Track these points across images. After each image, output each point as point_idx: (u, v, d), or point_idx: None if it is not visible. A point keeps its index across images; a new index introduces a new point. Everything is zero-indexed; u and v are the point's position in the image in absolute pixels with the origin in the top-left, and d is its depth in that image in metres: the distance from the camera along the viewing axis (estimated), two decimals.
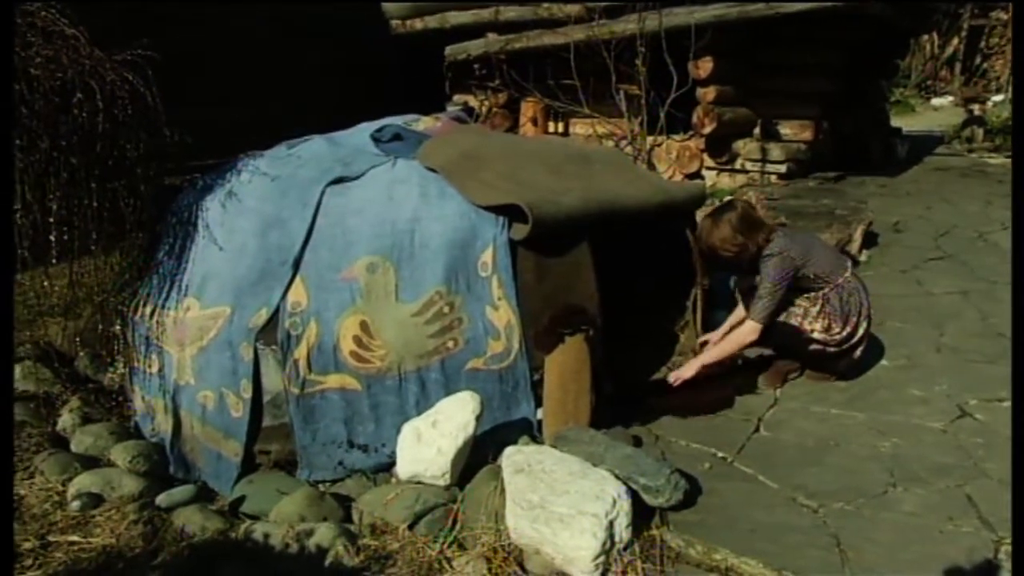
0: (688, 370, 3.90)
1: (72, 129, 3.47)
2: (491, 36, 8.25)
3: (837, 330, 3.89)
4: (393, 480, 3.26)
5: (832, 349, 3.95)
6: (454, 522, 2.91)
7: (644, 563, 2.66)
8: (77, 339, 4.23)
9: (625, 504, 2.72)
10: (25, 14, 3.37)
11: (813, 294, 3.91)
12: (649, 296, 4.42)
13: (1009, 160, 10.43)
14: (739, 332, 3.94)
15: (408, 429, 3.19)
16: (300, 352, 3.39)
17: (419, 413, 3.28)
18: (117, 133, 3.60)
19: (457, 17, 8.47)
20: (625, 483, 2.82)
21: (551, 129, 8.38)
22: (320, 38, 8.32)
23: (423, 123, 4.44)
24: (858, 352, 4.01)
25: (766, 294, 3.81)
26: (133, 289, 3.97)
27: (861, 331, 3.94)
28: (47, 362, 4.08)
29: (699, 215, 4.42)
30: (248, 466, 3.46)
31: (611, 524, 2.65)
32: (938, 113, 16.70)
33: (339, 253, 3.53)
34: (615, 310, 3.75)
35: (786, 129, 8.69)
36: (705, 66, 7.53)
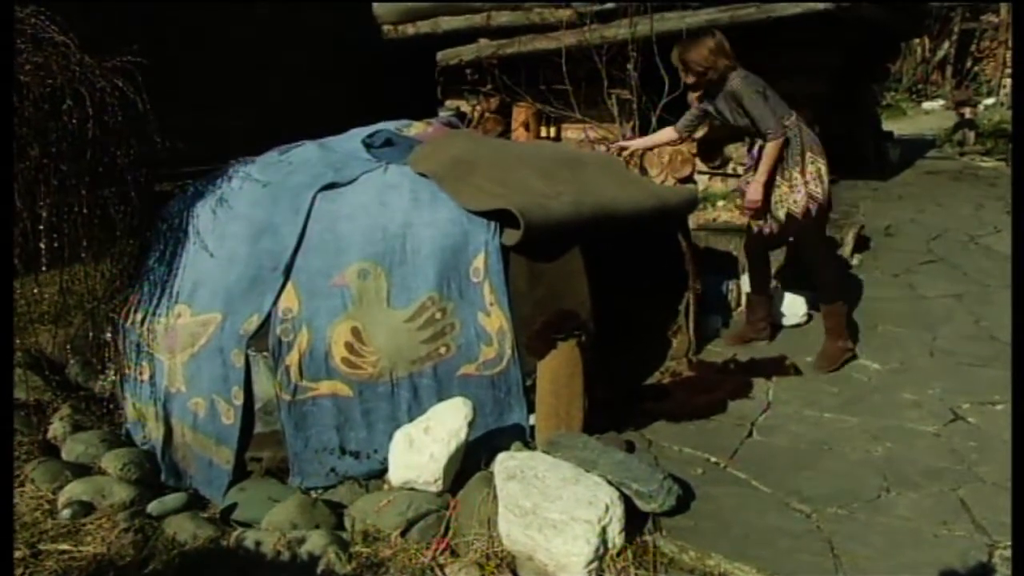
0: (755, 193, 4.17)
1: (62, 136, 3.46)
2: (483, 41, 8.22)
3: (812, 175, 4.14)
4: (385, 487, 3.25)
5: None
6: (446, 528, 2.90)
7: (637, 569, 2.65)
8: (68, 346, 4.21)
9: (618, 510, 2.71)
10: (15, 21, 3.36)
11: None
12: (641, 301, 4.42)
13: (1001, 163, 10.44)
14: (767, 150, 4.12)
15: (400, 435, 3.18)
16: (292, 358, 3.38)
17: (411, 419, 3.28)
18: (107, 140, 3.59)
19: (449, 22, 8.44)
20: (618, 489, 2.82)
21: (543, 134, 8.35)
22: (312, 44, 8.31)
23: (415, 128, 4.44)
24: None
25: (759, 108, 4.07)
26: (124, 296, 3.96)
27: (796, 172, 4.11)
28: (38, 370, 4.06)
29: (692, 219, 4.45)
30: (240, 473, 3.44)
31: (604, 530, 2.64)
32: (929, 116, 16.71)
33: (330, 259, 3.52)
34: (607, 315, 3.74)
35: None
36: None
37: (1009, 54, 16.23)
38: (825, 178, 4.15)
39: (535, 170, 3.96)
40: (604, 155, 5.25)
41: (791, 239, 4.42)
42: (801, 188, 4.11)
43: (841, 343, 4.34)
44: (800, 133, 4.14)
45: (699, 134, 5.22)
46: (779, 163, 4.12)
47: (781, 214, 4.16)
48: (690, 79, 4.28)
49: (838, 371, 4.23)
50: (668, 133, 4.72)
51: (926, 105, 18.48)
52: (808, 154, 4.12)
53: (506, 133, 8.23)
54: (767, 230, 4.28)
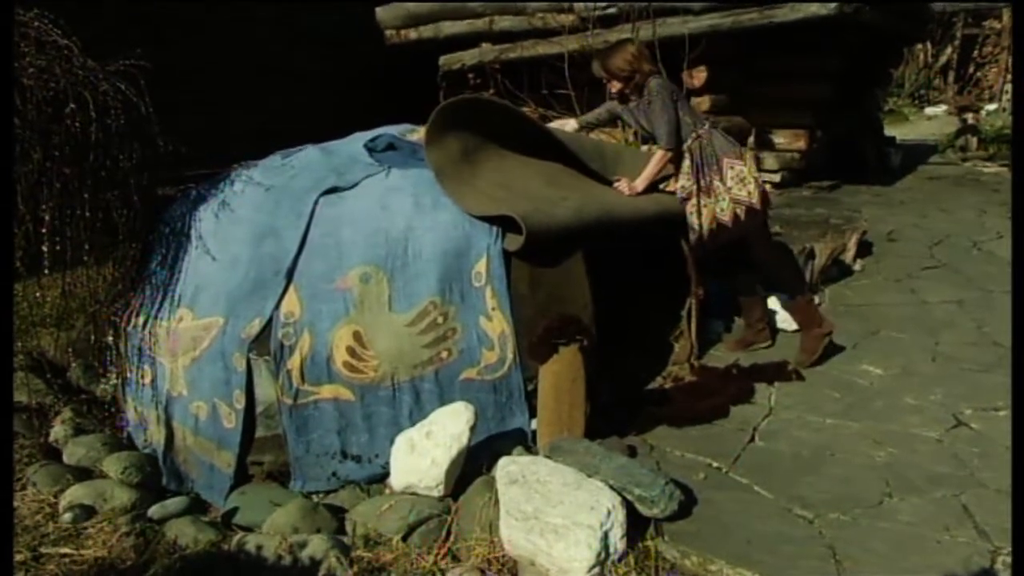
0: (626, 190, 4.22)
1: (65, 139, 3.47)
2: (485, 46, 8.25)
3: (686, 183, 4.19)
4: (387, 491, 3.25)
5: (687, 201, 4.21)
6: (448, 533, 2.90)
7: (639, 574, 2.65)
8: (70, 349, 4.20)
9: (620, 515, 2.71)
10: (18, 24, 3.36)
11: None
12: (643, 305, 4.42)
13: (1003, 169, 10.45)
14: (653, 158, 4.24)
15: (402, 440, 3.18)
16: (293, 362, 3.38)
17: (413, 423, 3.27)
18: (110, 143, 3.59)
19: (451, 27, 8.47)
20: (620, 494, 2.81)
21: None
22: (314, 48, 8.33)
23: (419, 133, 4.44)
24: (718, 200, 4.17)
25: (659, 111, 4.11)
26: (126, 299, 3.96)
27: (716, 181, 4.15)
28: (39, 373, 4.06)
29: None
30: (241, 477, 3.44)
31: (606, 535, 2.64)
32: (932, 122, 16.72)
33: (332, 263, 3.52)
34: (609, 319, 3.74)
35: (780, 138, 8.70)
36: (700, 75, 7.52)
37: (1012, 60, 16.25)
38: (751, 179, 4.14)
39: (539, 175, 3.95)
40: (623, 147, 5.29)
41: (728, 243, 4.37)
42: (724, 195, 4.13)
43: (816, 329, 4.37)
44: (712, 142, 4.16)
45: (594, 134, 5.26)
46: (696, 175, 4.14)
47: (706, 224, 4.17)
48: (615, 86, 4.30)
49: (839, 376, 4.22)
50: (571, 124, 4.71)
51: (928, 110, 18.49)
52: (725, 159, 4.14)
53: None
54: (694, 239, 4.24)
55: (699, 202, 4.15)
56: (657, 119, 4.12)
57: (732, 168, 4.14)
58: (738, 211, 4.13)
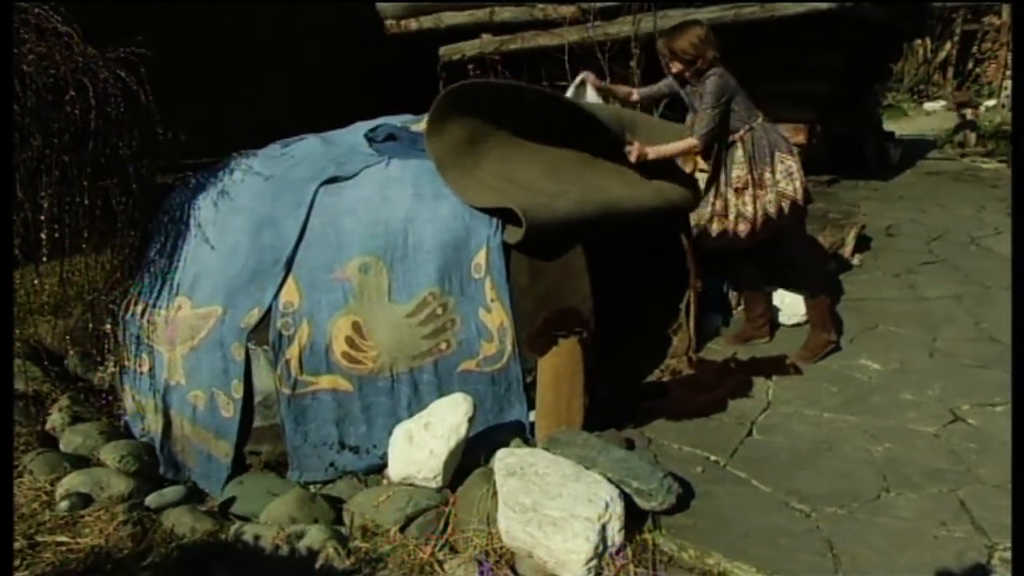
0: (638, 154, 4.07)
1: (64, 127, 3.46)
2: (486, 37, 8.22)
3: (740, 173, 4.19)
4: (385, 482, 3.25)
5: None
6: (446, 525, 2.90)
7: (637, 567, 2.65)
8: (67, 337, 4.20)
9: (618, 508, 2.71)
10: (18, 11, 3.35)
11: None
12: (642, 298, 4.41)
13: (1002, 165, 10.45)
14: (682, 141, 4.18)
15: (400, 431, 3.18)
16: (292, 352, 3.37)
17: (411, 415, 3.27)
18: (109, 131, 3.58)
19: (452, 17, 8.44)
20: (618, 486, 2.81)
21: None
22: (315, 37, 8.30)
23: (423, 123, 4.43)
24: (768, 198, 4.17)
25: (707, 110, 4.08)
26: (124, 288, 3.95)
27: (767, 174, 4.15)
28: (37, 360, 4.05)
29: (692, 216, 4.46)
30: (238, 467, 3.44)
31: (604, 528, 2.64)
32: (931, 117, 16.72)
33: (332, 253, 3.52)
34: (608, 312, 3.74)
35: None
36: None
37: (1011, 56, 16.25)
38: (797, 175, 4.16)
39: (542, 166, 3.93)
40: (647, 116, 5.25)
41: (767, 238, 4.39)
42: (773, 188, 4.14)
43: (825, 335, 4.40)
44: (767, 134, 4.17)
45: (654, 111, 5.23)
46: (750, 166, 4.15)
47: (760, 216, 4.18)
48: (676, 67, 4.26)
49: (838, 371, 4.23)
50: (626, 90, 4.71)
51: (927, 106, 18.49)
52: (777, 153, 4.15)
53: None
54: (731, 231, 4.27)
55: (754, 193, 4.17)
56: (701, 117, 4.11)
57: (783, 163, 4.15)
58: (783, 205, 4.14)
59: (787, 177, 4.14)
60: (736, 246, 4.32)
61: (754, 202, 4.18)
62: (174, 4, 6.78)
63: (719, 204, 4.27)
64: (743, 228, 4.23)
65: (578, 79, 4.59)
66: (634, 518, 2.80)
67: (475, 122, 3.81)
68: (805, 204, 4.22)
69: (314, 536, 2.84)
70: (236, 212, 3.77)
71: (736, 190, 4.21)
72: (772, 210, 4.15)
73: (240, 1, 7.45)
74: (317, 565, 2.76)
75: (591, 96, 4.57)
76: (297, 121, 4.69)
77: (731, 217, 4.25)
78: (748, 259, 4.56)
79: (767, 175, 4.14)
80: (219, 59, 6.88)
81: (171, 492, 3.27)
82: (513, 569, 2.71)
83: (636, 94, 4.70)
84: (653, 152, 4.08)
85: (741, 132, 4.16)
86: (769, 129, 4.20)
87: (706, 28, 4.20)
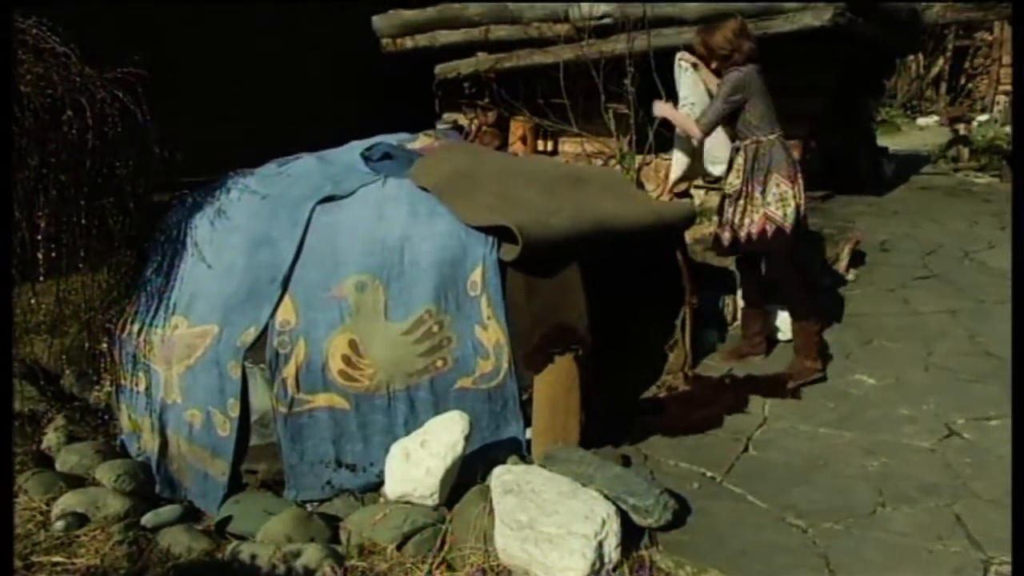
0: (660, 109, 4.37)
1: (61, 146, 3.46)
2: (481, 55, 8.25)
3: (734, 181, 4.25)
4: (381, 500, 3.25)
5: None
6: (442, 542, 2.90)
7: None
8: (63, 356, 4.20)
9: (614, 524, 2.71)
10: (16, 31, 3.36)
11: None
12: (638, 315, 4.42)
13: (995, 179, 10.49)
14: (683, 118, 4.28)
15: (397, 449, 3.18)
16: (288, 371, 3.38)
17: (408, 432, 3.28)
18: (107, 150, 3.59)
19: (447, 36, 8.47)
20: (614, 503, 2.82)
21: (540, 148, 8.38)
22: (311, 57, 8.33)
23: (419, 141, 4.46)
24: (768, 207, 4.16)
25: (716, 101, 4.15)
26: (120, 307, 3.96)
27: (757, 192, 4.15)
28: (32, 379, 4.05)
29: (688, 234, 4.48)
30: (235, 486, 3.44)
31: (600, 544, 2.64)
32: (923, 132, 16.78)
33: (328, 271, 3.53)
34: (604, 329, 3.75)
35: None
36: None
37: (1003, 71, 16.35)
38: (791, 204, 4.11)
39: (536, 186, 3.96)
40: (605, 171, 5.24)
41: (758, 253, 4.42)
42: (760, 208, 4.15)
43: (809, 363, 4.30)
44: (771, 152, 4.14)
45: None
46: (744, 176, 4.17)
47: (744, 229, 4.22)
48: (714, 64, 4.28)
49: (833, 386, 4.23)
50: (697, 134, 4.26)
51: (920, 121, 18.57)
52: (774, 175, 4.12)
53: (503, 146, 8.25)
54: (725, 237, 4.32)
55: (745, 204, 4.19)
56: (709, 106, 4.17)
57: (778, 186, 4.12)
58: (767, 227, 4.13)
59: (779, 201, 4.12)
60: (718, 251, 4.35)
61: (741, 214, 4.20)
62: (171, 23, 6.81)
63: (722, 205, 4.33)
64: (727, 236, 4.27)
65: (686, 64, 4.45)
66: (631, 535, 2.80)
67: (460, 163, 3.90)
68: (794, 232, 4.15)
69: (311, 555, 2.83)
70: (232, 231, 3.78)
71: (728, 196, 4.25)
72: (755, 229, 4.16)
73: (237, 20, 7.47)
74: None
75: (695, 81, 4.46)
76: (293, 140, 4.70)
77: (723, 220, 4.30)
78: (749, 275, 4.57)
79: (757, 193, 4.15)
80: (214, 78, 6.90)
81: (167, 511, 3.26)
82: None
83: (699, 132, 4.25)
84: (668, 113, 4.28)
85: (747, 141, 4.17)
86: (778, 148, 4.17)
87: (741, 21, 4.24)
